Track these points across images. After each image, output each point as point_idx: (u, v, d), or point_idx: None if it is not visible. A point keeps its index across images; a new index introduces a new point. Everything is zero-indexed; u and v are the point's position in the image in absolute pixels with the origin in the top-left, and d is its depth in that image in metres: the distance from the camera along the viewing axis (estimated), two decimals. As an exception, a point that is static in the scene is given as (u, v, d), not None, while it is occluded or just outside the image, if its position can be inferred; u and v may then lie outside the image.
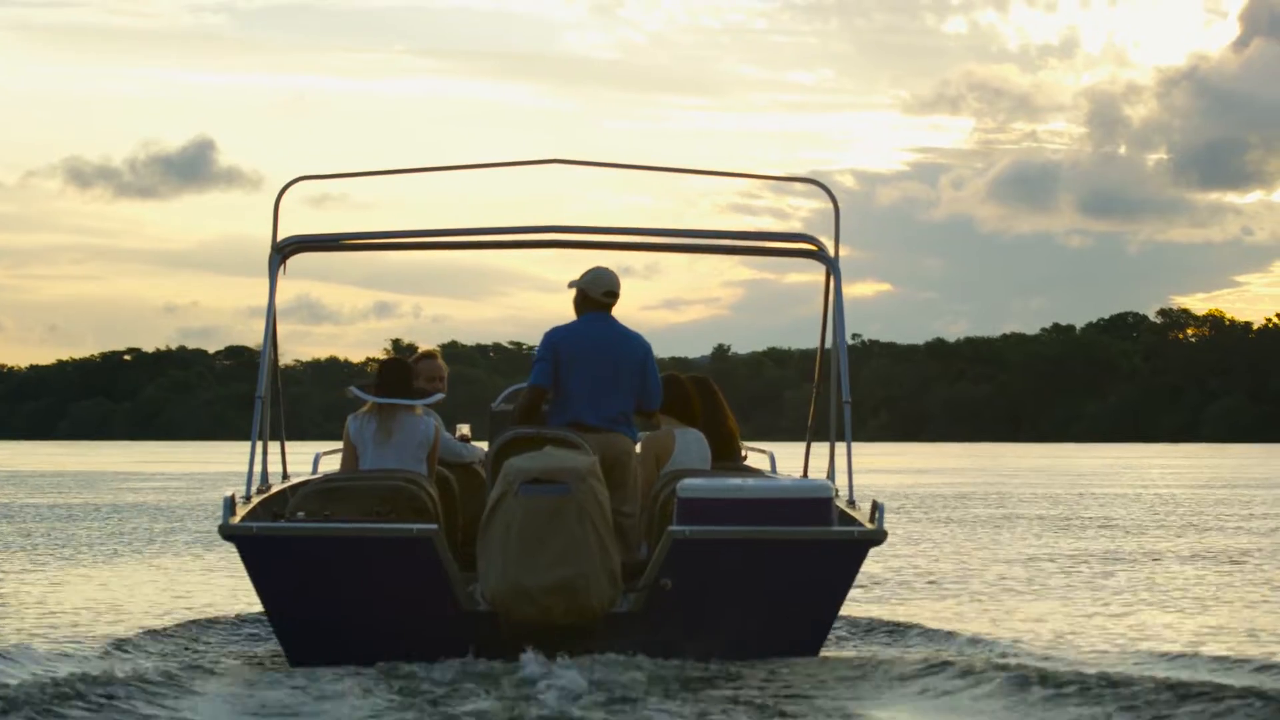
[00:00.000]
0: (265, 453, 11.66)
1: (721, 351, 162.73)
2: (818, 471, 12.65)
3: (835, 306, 11.66)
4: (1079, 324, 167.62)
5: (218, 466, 61.19)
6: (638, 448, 11.61)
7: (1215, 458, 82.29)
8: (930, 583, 16.70)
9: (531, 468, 9.96)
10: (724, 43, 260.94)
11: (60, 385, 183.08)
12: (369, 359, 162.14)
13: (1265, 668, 10.04)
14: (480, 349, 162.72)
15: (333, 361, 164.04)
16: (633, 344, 11.48)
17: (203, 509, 31.31)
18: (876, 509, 10.31)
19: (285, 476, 12.58)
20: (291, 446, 12.65)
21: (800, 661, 10.07)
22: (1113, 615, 13.87)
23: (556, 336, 11.44)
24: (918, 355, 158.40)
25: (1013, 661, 9.87)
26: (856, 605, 13.74)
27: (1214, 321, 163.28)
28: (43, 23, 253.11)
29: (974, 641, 11.81)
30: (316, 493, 10.70)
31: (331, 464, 13.12)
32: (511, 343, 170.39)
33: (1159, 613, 14.05)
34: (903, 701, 8.98)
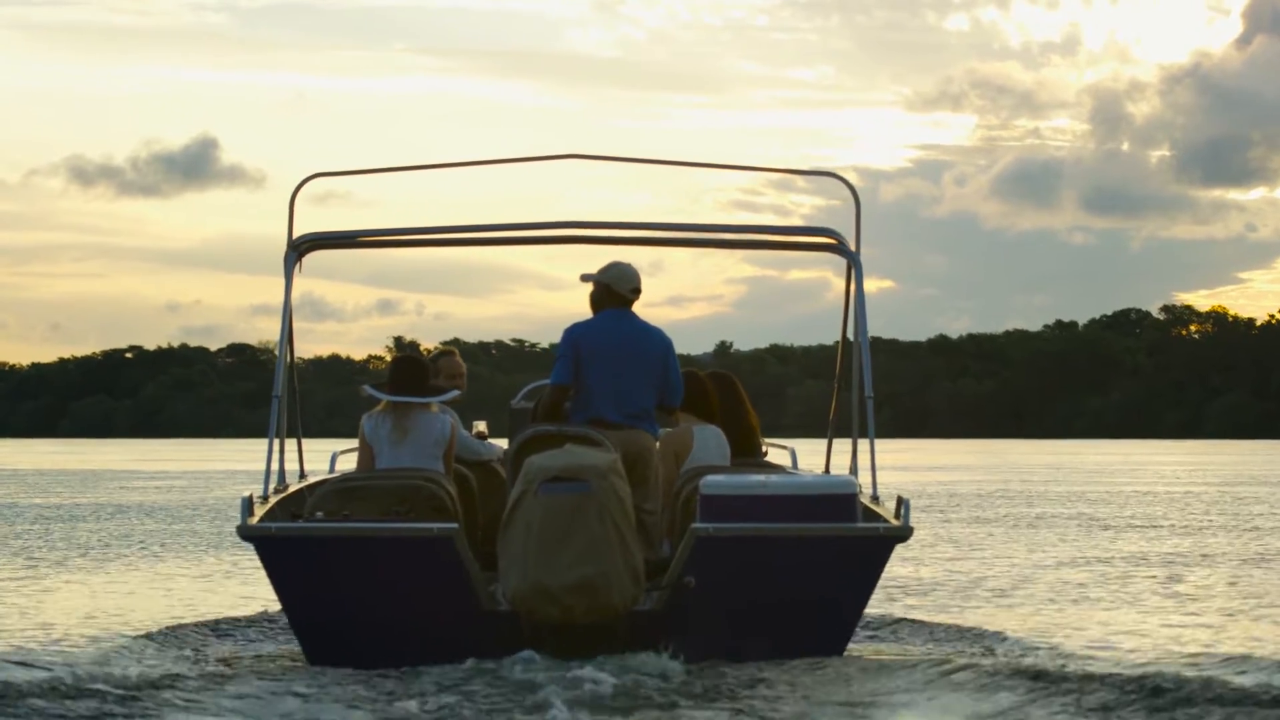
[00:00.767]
0: (282, 452, 11.54)
1: (724, 348, 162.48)
2: (839, 468, 12.57)
3: (857, 301, 11.57)
4: (1082, 321, 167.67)
5: (222, 464, 61.03)
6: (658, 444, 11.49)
7: (1225, 454, 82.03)
8: (956, 580, 16.55)
9: (552, 466, 9.84)
10: (725, 40, 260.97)
11: (62, 383, 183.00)
12: (371, 356, 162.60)
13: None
14: (483, 346, 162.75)
15: (335, 359, 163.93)
16: (654, 339, 11.36)
17: (209, 507, 31.19)
18: (902, 505, 10.21)
19: (302, 475, 12.50)
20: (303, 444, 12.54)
21: (825, 661, 9.96)
22: (1146, 615, 13.67)
23: (577, 333, 11.32)
24: (920, 352, 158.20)
25: (1042, 663, 9.75)
26: (880, 604, 13.59)
27: (1217, 318, 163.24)
28: (45, 21, 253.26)
29: (1003, 641, 11.69)
30: (334, 492, 10.58)
31: (348, 462, 13.02)
32: (514, 340, 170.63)
33: (1194, 614, 13.82)
34: (930, 703, 8.86)
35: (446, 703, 8.67)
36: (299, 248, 11.48)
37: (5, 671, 9.64)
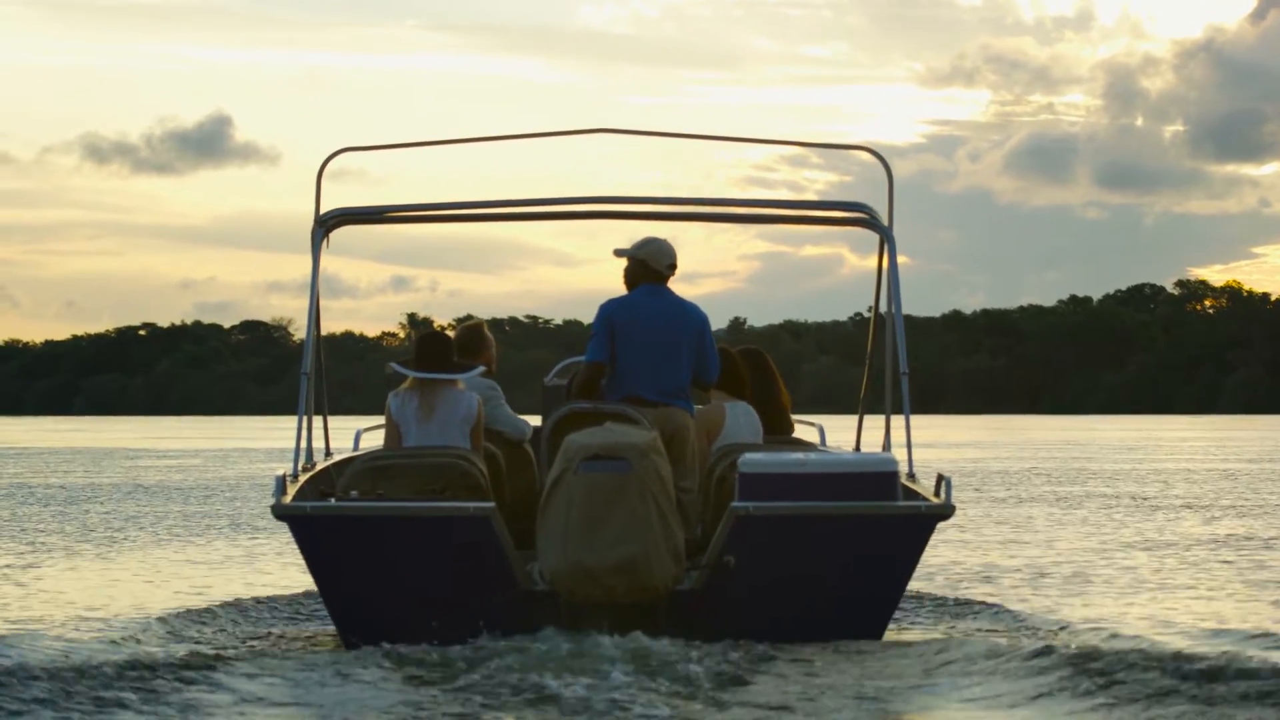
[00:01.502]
0: (310, 429, 11.41)
1: (738, 324, 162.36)
2: (869, 445, 12.45)
3: (890, 276, 11.45)
4: (1096, 296, 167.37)
5: (234, 443, 61.08)
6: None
7: (1247, 430, 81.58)
8: (996, 560, 16.31)
9: (592, 444, 9.73)
10: (738, 16, 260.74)
11: (75, 361, 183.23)
12: (385, 333, 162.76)
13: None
14: (496, 323, 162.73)
15: (349, 336, 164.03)
16: (690, 315, 11.22)
17: (229, 486, 31.12)
18: (942, 482, 10.09)
19: (328, 453, 12.41)
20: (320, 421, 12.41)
21: (864, 642, 9.87)
22: (1194, 598, 13.33)
23: (612, 309, 11.18)
24: (934, 327, 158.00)
25: (1085, 644, 9.58)
26: (920, 583, 13.37)
27: (1231, 293, 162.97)
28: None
29: (1046, 622, 11.51)
30: (367, 471, 10.46)
31: (373, 440, 12.92)
32: (528, 316, 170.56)
33: (1242, 597, 13.41)
34: (972, 687, 8.71)
35: (483, 682, 8.58)
36: (326, 223, 11.35)
37: (37, 652, 9.60)
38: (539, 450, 11.67)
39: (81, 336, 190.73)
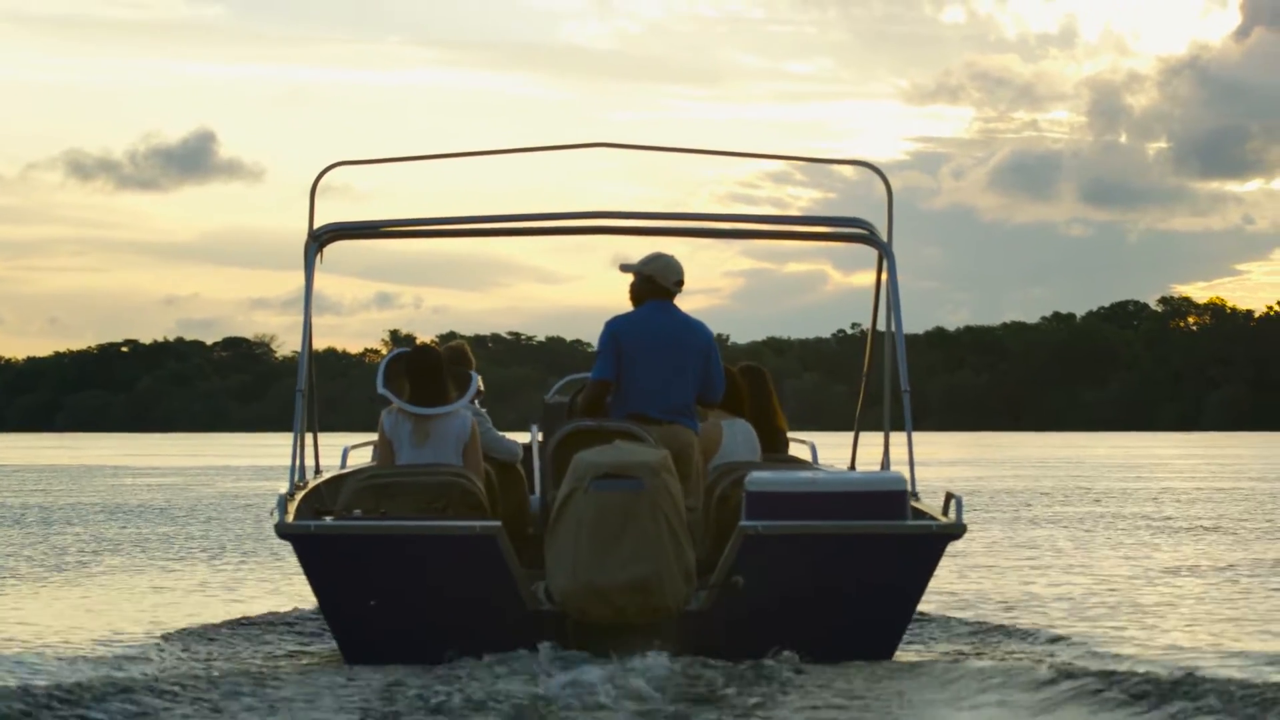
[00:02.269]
0: (302, 447, 11.27)
1: (721, 341, 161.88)
2: (865, 463, 12.36)
3: (890, 292, 11.36)
4: (1080, 313, 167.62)
5: (217, 460, 60.80)
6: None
7: (1237, 448, 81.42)
8: (1005, 581, 16.13)
9: (603, 462, 9.60)
10: (722, 32, 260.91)
11: (57, 377, 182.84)
12: (368, 350, 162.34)
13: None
14: (479, 340, 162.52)
15: (330, 353, 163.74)
16: (697, 333, 11.08)
17: (212, 505, 30.95)
18: (951, 501, 9.97)
19: (318, 470, 12.27)
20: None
21: (874, 663, 9.74)
22: (1208, 620, 13.02)
23: (618, 326, 11.02)
24: (918, 344, 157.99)
25: (1098, 668, 9.43)
26: (929, 604, 13.19)
27: (1215, 310, 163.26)
28: (42, 14, 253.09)
29: (1058, 643, 11.37)
30: (369, 489, 10.36)
31: (361, 456, 12.81)
32: (510, 333, 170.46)
33: (1258, 620, 13.05)
34: (983, 710, 8.59)
35: (485, 701, 8.47)
36: (320, 238, 11.22)
37: (34, 675, 9.49)
38: (530, 468, 11.54)
39: (64, 353, 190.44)
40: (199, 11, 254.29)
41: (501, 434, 11.92)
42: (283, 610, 13.26)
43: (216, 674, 9.18)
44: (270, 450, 71.90)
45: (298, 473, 11.30)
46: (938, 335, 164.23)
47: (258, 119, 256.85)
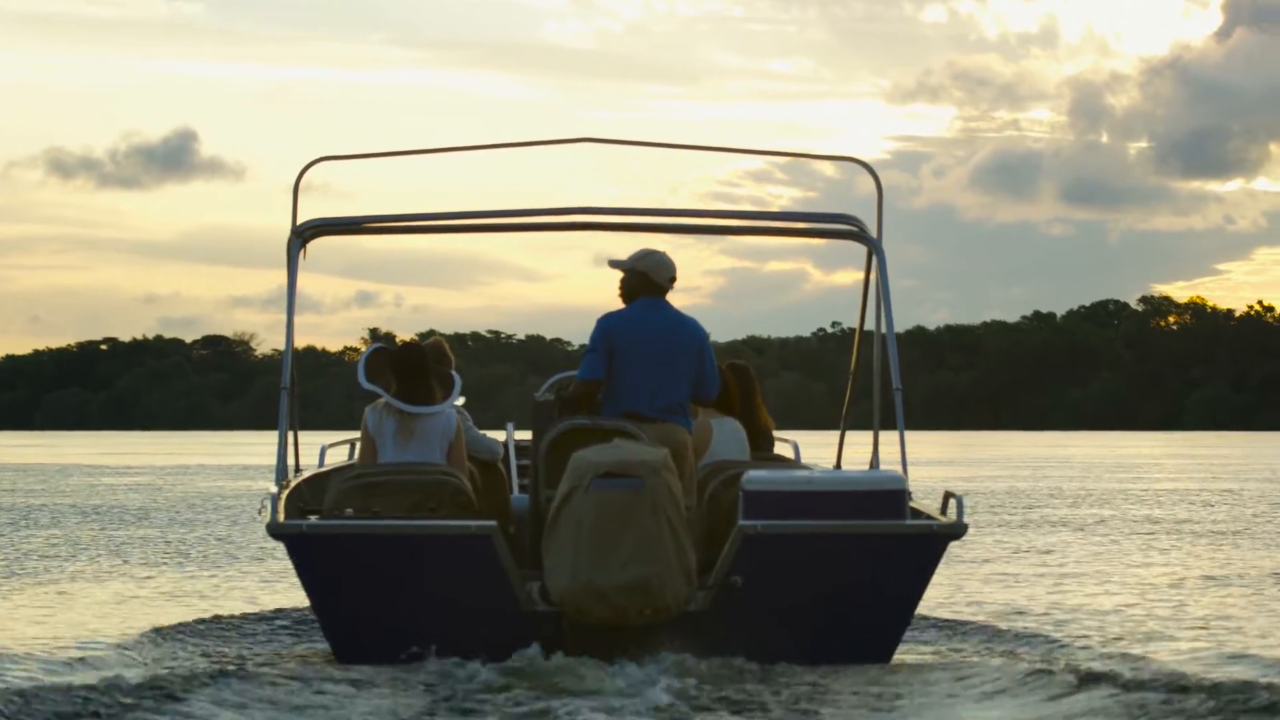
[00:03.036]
0: (286, 445, 11.15)
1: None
2: (851, 462, 12.29)
3: (880, 289, 11.30)
4: (1060, 312, 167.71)
5: (196, 459, 60.56)
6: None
7: (1220, 447, 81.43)
8: (1004, 581, 16.03)
9: (603, 461, 9.49)
10: (702, 31, 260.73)
11: (36, 375, 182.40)
12: (347, 348, 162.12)
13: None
14: (458, 338, 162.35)
15: (310, 351, 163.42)
16: (691, 330, 10.96)
17: (186, 501, 30.79)
18: (952, 500, 9.88)
19: (298, 469, 12.16)
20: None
21: (874, 664, 9.68)
22: (1211, 622, 12.91)
23: (611, 324, 10.85)
24: (898, 343, 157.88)
25: (1100, 669, 9.41)
26: (929, 605, 13.09)
27: (1195, 309, 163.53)
28: (21, 12, 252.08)
29: (1057, 645, 11.29)
30: (358, 488, 10.27)
31: (338, 455, 12.72)
32: (490, 331, 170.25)
33: (1262, 622, 12.96)
34: (983, 711, 8.55)
35: (479, 702, 8.46)
36: (303, 234, 11.12)
37: (31, 674, 9.47)
38: (509, 467, 11.45)
39: (43, 351, 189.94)
40: (180, 10, 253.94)
41: (482, 433, 11.83)
42: (267, 610, 13.15)
43: (204, 673, 9.10)
44: (250, 449, 71.74)
45: (283, 472, 11.21)
46: (918, 334, 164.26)
47: (239, 118, 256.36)
